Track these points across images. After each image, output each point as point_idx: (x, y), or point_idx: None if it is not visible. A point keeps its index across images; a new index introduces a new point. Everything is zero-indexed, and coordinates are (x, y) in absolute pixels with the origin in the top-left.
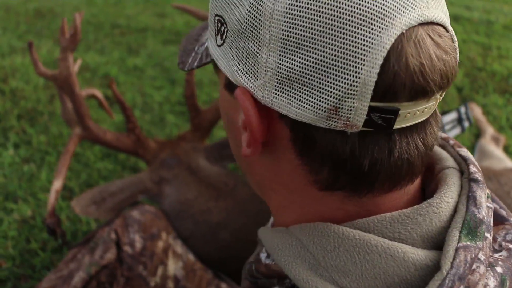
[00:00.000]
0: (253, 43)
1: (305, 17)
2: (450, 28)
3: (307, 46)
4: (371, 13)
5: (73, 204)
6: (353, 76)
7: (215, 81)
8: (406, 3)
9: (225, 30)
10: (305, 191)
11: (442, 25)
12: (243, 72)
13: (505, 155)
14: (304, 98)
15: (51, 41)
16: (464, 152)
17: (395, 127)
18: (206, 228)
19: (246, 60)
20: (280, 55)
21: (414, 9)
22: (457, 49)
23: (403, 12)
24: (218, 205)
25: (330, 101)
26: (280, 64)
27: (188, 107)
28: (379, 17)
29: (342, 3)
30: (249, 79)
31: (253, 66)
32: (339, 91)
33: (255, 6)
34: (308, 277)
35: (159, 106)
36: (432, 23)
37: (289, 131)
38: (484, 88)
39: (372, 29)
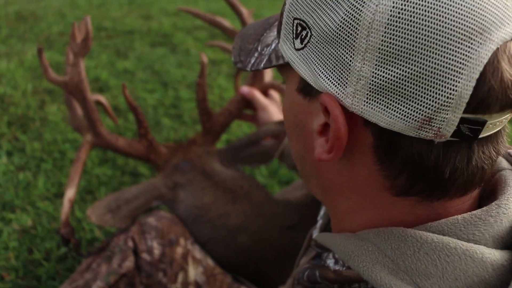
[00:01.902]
0: (345, 51)
1: (407, 29)
2: None
3: (406, 57)
4: (472, 28)
5: (89, 213)
6: (450, 89)
7: (208, 83)
8: (503, 18)
9: (308, 35)
10: (378, 196)
11: None
12: (329, 79)
13: None
14: (397, 108)
15: (35, 45)
16: None
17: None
18: (224, 232)
19: (335, 67)
20: (376, 64)
21: (509, 23)
22: None
23: (500, 27)
24: (236, 209)
25: (425, 112)
26: (375, 73)
27: (200, 111)
28: (478, 32)
29: (446, 18)
30: (336, 86)
31: (342, 74)
32: (435, 103)
33: (352, 15)
34: (391, 281)
35: (153, 109)
36: None
37: (373, 138)
38: None
39: (471, 43)
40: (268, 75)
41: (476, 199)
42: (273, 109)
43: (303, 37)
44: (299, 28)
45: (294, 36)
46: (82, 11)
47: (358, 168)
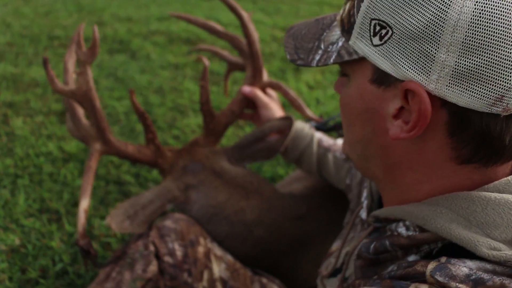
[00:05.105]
0: (430, 45)
1: (487, 26)
2: None
3: (485, 48)
4: None
5: (108, 221)
6: None
7: (176, 87)
8: None
9: (388, 33)
10: (443, 166)
11: None
12: (413, 69)
13: None
14: (475, 90)
15: None
16: None
17: None
18: (242, 227)
19: (419, 58)
20: (459, 55)
21: None
22: None
23: None
24: (249, 204)
25: (499, 91)
26: (458, 62)
27: (203, 113)
28: None
29: None
30: (420, 74)
31: (426, 64)
32: (508, 83)
33: (439, 16)
34: (468, 235)
35: (125, 116)
36: None
37: (448, 116)
38: None
39: None
40: (265, 74)
41: None
42: (274, 106)
43: (382, 34)
44: (378, 27)
45: (372, 34)
46: (28, 20)
47: (429, 143)
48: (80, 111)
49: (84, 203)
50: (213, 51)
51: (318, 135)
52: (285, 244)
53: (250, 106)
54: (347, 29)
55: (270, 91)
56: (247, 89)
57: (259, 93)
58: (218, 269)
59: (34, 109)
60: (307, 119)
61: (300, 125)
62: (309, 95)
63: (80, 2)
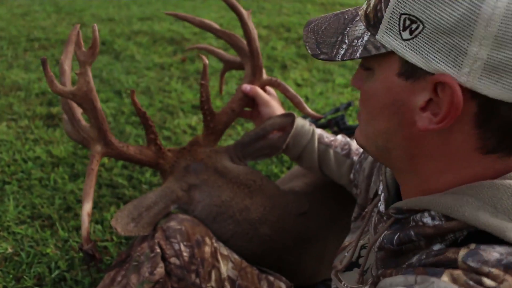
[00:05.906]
0: (462, 39)
1: None
2: None
3: None
4: None
5: (113, 224)
6: None
7: (163, 88)
8: None
9: (419, 27)
10: (468, 156)
11: None
12: (444, 62)
13: None
14: (506, 81)
15: None
16: None
17: None
18: (247, 225)
19: (450, 52)
20: (491, 48)
21: None
22: None
23: None
24: (254, 202)
25: None
26: (490, 55)
27: (204, 111)
28: None
29: None
30: (451, 67)
31: (458, 57)
32: None
33: (473, 11)
34: (495, 222)
35: (113, 118)
36: None
37: (477, 107)
38: None
39: None
40: (264, 72)
41: None
42: (274, 103)
43: (412, 29)
44: (408, 22)
45: (401, 28)
46: (5, 21)
47: (455, 134)
48: (79, 113)
49: (87, 207)
50: (209, 49)
51: (319, 131)
52: (289, 240)
53: (249, 104)
54: (373, 23)
55: (270, 88)
56: (247, 87)
57: (259, 91)
58: (225, 269)
59: (18, 113)
60: (305, 115)
61: (301, 122)
62: (297, 93)
63: (58, 3)
